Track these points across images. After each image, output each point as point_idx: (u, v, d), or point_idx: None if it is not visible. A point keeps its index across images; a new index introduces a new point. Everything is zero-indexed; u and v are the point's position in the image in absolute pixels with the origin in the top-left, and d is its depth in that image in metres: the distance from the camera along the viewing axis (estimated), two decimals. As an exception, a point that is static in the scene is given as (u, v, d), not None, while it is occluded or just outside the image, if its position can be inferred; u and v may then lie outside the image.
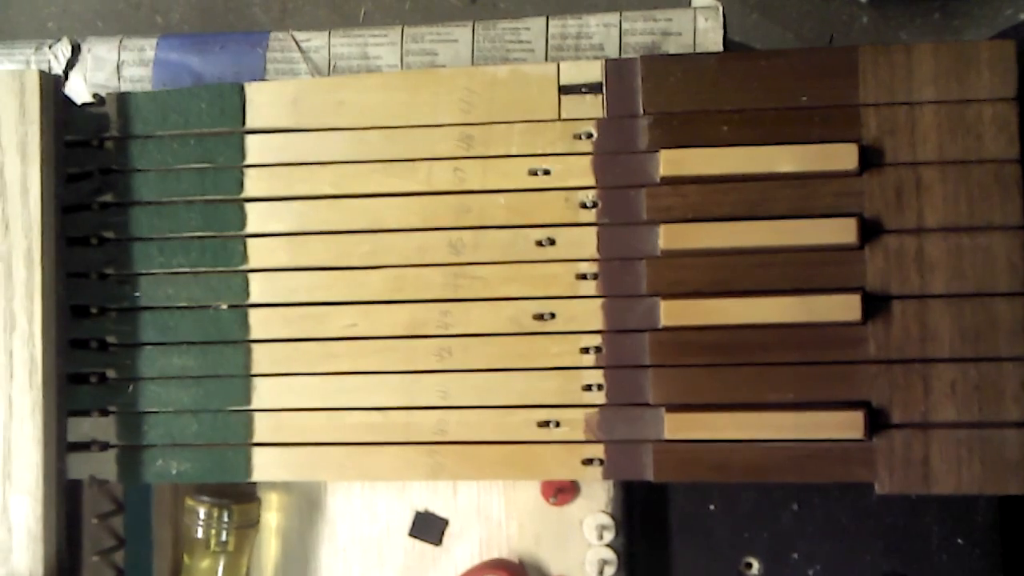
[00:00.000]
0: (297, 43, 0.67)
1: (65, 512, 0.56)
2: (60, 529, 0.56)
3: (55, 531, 0.55)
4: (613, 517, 0.57)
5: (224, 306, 0.57)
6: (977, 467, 0.51)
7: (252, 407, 0.57)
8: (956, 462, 0.51)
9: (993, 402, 0.51)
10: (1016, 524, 0.48)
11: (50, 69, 0.71)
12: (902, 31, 1.49)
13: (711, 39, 0.64)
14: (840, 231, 0.52)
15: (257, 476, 0.57)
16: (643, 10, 0.65)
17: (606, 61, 0.55)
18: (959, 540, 0.56)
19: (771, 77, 0.53)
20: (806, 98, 0.53)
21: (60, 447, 0.56)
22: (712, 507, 0.59)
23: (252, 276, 0.57)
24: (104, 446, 0.57)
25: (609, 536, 0.57)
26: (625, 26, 0.65)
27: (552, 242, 0.55)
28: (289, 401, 0.57)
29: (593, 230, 0.55)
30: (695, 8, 0.64)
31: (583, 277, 0.54)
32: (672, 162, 0.53)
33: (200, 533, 0.59)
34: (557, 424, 0.54)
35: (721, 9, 0.64)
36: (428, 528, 0.60)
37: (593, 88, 0.55)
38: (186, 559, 0.60)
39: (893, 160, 0.52)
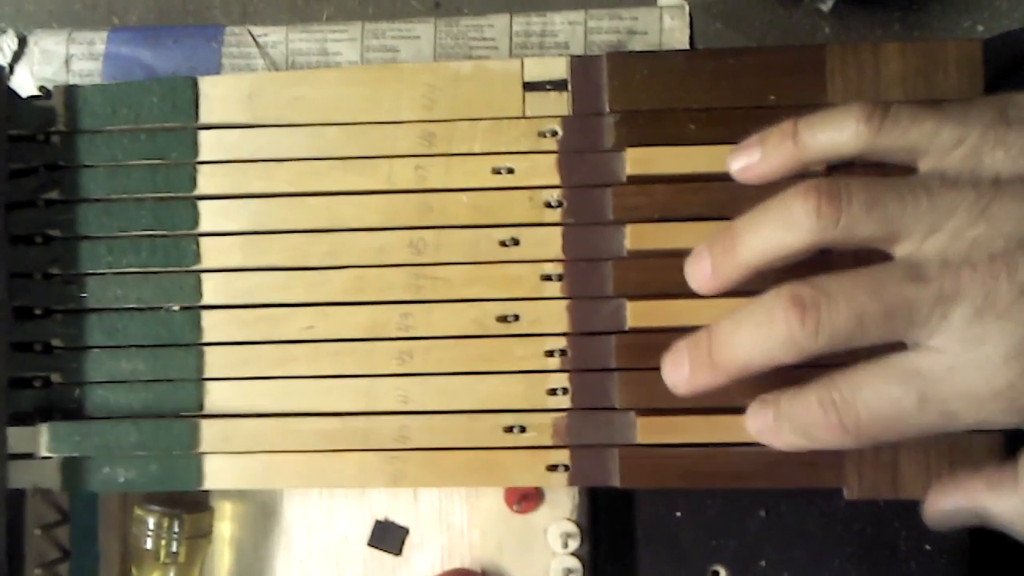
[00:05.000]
0: (254, 38, 0.65)
1: (6, 523, 0.54)
2: (0, 541, 0.53)
3: (-6, 543, 0.53)
4: (578, 525, 0.56)
5: (176, 307, 0.55)
6: (946, 473, 0.50)
7: (204, 412, 0.55)
8: (925, 467, 0.51)
9: (962, 405, 0.51)
10: (984, 531, 0.47)
11: (-4, 63, 0.68)
12: (863, 42, 1.51)
13: (677, 38, 0.63)
14: (809, 232, 0.51)
15: (209, 484, 0.55)
16: (608, 8, 0.64)
17: (572, 58, 0.54)
18: (927, 547, 0.56)
19: (739, 75, 0.53)
20: (774, 97, 0.52)
21: (1, 455, 0.54)
22: (679, 514, 0.58)
23: (205, 276, 0.55)
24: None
25: (574, 544, 0.56)
26: (590, 24, 0.64)
27: (516, 242, 0.53)
28: (243, 406, 0.55)
29: (558, 230, 0.53)
30: (661, 7, 0.64)
31: (548, 278, 0.53)
32: (639, 161, 0.52)
33: (149, 544, 0.57)
34: (522, 429, 0.53)
35: (687, 8, 0.63)
36: (388, 537, 0.58)
37: (558, 85, 0.54)
38: (134, 571, 0.58)
39: (861, 160, 0.52)
